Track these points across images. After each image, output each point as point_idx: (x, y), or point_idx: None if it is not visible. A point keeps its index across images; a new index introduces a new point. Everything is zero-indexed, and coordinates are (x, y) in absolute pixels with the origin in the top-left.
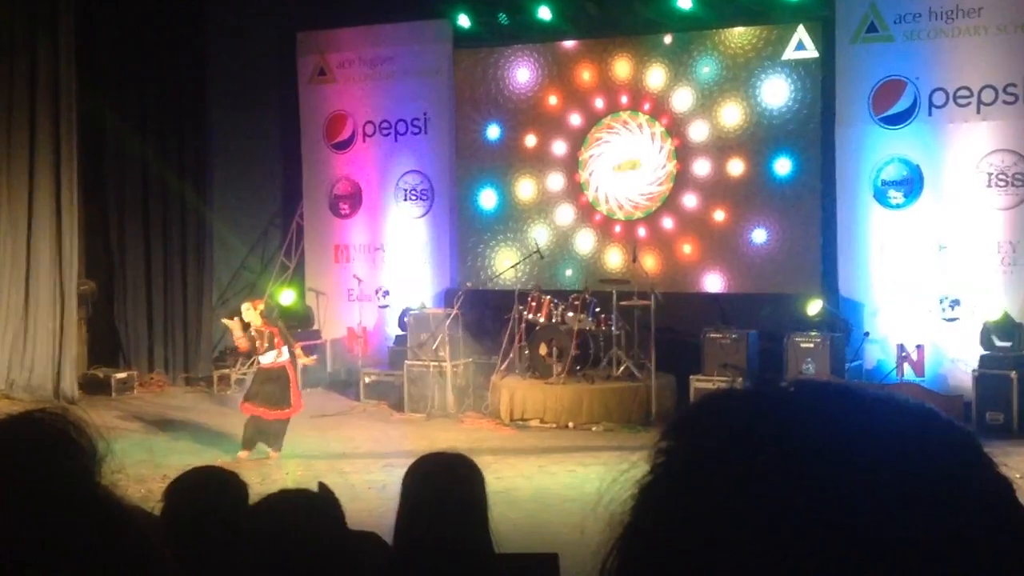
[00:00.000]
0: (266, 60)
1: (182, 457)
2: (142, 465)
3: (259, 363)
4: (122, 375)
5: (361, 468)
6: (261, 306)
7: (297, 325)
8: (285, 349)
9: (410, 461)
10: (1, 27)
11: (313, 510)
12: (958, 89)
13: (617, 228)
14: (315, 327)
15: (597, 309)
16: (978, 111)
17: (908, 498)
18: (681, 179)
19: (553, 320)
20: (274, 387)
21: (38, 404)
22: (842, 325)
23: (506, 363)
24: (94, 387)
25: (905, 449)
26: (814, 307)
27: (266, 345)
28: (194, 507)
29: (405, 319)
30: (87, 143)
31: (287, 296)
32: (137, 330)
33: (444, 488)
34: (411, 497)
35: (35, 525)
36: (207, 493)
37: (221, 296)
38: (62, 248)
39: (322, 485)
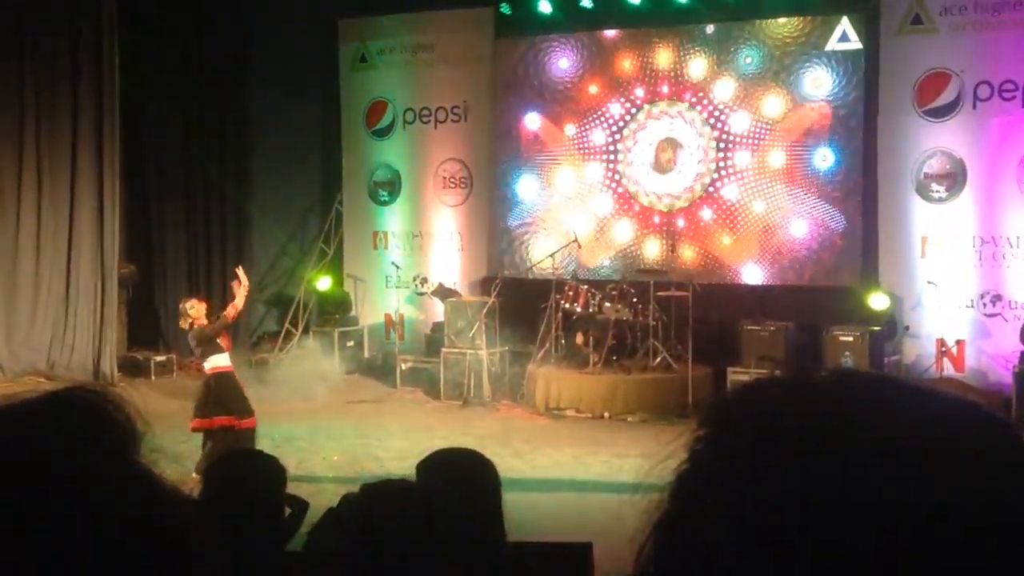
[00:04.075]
0: (308, 47)
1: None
2: (181, 446)
3: (210, 367)
4: (161, 358)
5: (397, 455)
6: (203, 307)
7: (334, 311)
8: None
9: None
10: (42, 8)
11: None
12: (1003, 82)
13: (656, 218)
14: (352, 313)
15: (634, 299)
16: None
17: (948, 486)
18: (721, 170)
19: (590, 310)
20: (236, 392)
21: (77, 383)
22: (884, 319)
23: (542, 352)
24: (133, 369)
25: (946, 438)
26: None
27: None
28: (232, 488)
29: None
30: (129, 127)
31: (323, 282)
32: (177, 314)
33: (457, 486)
34: (426, 492)
35: (70, 500)
36: (245, 475)
37: (260, 281)
38: (103, 231)
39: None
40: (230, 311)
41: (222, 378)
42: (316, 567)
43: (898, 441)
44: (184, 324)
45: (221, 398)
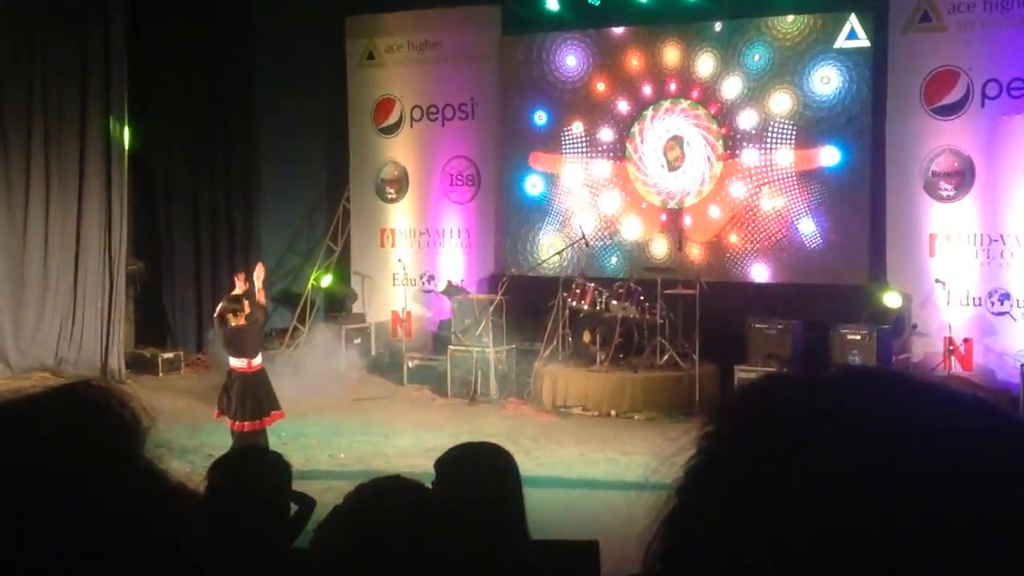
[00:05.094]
0: (315, 44)
1: (226, 436)
2: (187, 442)
3: (249, 366)
4: (169, 355)
5: (404, 452)
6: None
7: (337, 308)
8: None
9: (452, 446)
10: (51, 7)
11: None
12: (1012, 80)
13: (663, 216)
14: (357, 310)
15: (641, 297)
16: None
17: (952, 484)
18: (729, 168)
19: (597, 308)
20: (267, 389)
21: (82, 378)
22: (892, 317)
23: (549, 350)
24: (141, 366)
25: (952, 435)
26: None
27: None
28: (237, 485)
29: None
30: (137, 124)
31: (325, 279)
32: (184, 310)
33: (476, 480)
34: (443, 487)
35: (72, 496)
36: (250, 472)
37: (268, 278)
38: (111, 227)
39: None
40: (261, 297)
41: (264, 374)
42: (320, 565)
43: (903, 438)
44: (239, 320)
45: (264, 395)
